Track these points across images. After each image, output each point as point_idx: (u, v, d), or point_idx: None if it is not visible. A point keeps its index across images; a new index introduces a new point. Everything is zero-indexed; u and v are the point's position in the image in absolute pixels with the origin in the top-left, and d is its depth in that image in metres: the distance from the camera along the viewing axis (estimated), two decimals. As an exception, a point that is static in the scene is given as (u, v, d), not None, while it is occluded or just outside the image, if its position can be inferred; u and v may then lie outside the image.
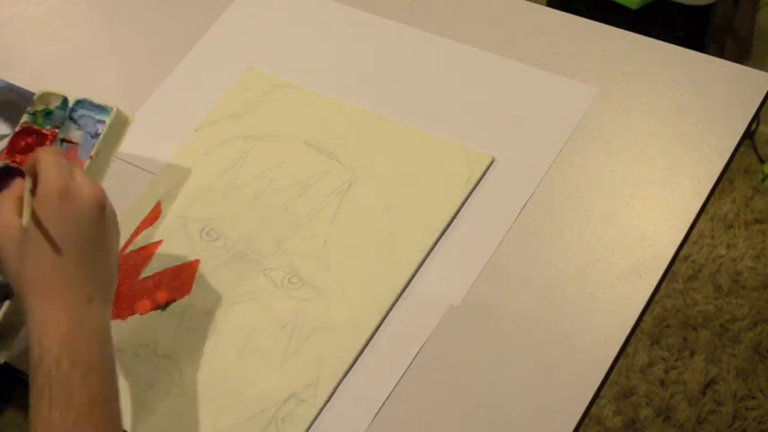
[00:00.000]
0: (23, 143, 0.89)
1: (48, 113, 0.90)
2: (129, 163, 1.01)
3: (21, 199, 0.77)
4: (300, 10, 1.09)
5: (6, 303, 0.84)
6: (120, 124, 0.91)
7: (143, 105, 1.05)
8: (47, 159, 0.77)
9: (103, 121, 0.89)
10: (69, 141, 0.89)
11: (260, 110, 1.01)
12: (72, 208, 0.75)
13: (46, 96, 0.91)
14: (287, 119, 1.00)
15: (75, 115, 0.90)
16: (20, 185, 0.78)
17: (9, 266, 0.76)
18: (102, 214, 0.77)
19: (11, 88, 1.00)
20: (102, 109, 0.90)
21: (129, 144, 1.03)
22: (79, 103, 0.90)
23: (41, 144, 0.89)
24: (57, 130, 0.89)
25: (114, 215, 0.79)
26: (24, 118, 0.90)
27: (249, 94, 1.02)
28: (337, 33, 1.06)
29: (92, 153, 0.88)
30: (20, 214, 0.76)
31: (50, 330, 0.73)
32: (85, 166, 0.87)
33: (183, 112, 1.03)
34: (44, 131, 0.89)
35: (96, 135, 0.89)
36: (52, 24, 1.16)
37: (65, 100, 0.90)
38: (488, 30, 1.02)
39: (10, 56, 1.13)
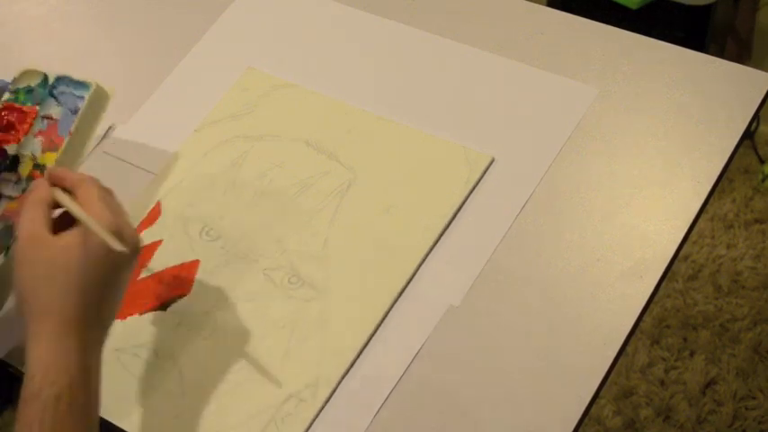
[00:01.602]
0: (5, 121, 0.90)
1: (29, 91, 0.91)
2: (130, 163, 1.01)
3: (50, 213, 0.75)
4: (300, 10, 1.09)
5: None
6: (101, 99, 0.91)
7: (143, 105, 1.05)
8: (94, 194, 0.75)
9: (83, 97, 0.90)
10: (50, 118, 0.90)
11: (260, 110, 1.01)
12: (117, 252, 0.73)
13: (27, 74, 0.92)
14: (287, 119, 1.00)
15: (56, 92, 0.91)
16: (43, 193, 0.76)
17: (30, 277, 0.73)
18: (135, 260, 0.76)
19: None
20: (82, 85, 0.91)
21: (129, 144, 1.03)
22: (59, 79, 0.91)
23: (23, 122, 0.89)
24: (37, 107, 0.90)
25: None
26: (6, 96, 0.91)
27: (249, 94, 1.02)
28: (337, 33, 1.06)
29: (71, 129, 0.89)
30: (49, 227, 0.74)
31: (60, 365, 0.71)
32: (65, 143, 0.88)
33: (183, 112, 1.03)
34: (25, 109, 0.90)
35: (76, 111, 0.89)
36: (52, 24, 1.16)
37: (45, 77, 0.91)
38: (488, 30, 1.02)
39: (10, 56, 1.13)
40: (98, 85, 0.91)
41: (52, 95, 0.91)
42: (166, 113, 1.04)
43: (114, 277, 0.75)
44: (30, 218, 0.75)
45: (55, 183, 0.77)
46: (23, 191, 0.87)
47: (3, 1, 1.19)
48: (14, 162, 0.88)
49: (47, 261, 0.73)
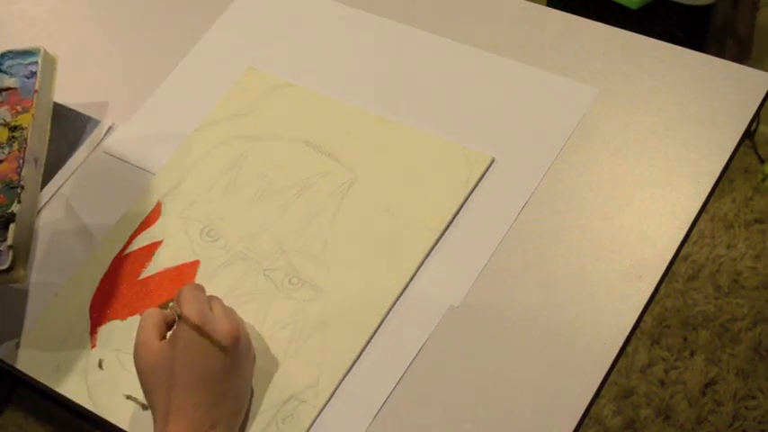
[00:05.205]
0: None
1: None
2: (129, 163, 1.01)
3: (163, 323, 0.83)
4: (300, 10, 1.09)
5: (12, 227, 0.86)
6: (50, 63, 0.96)
7: (143, 105, 1.05)
8: (187, 294, 0.83)
9: (33, 63, 0.95)
10: (8, 88, 0.94)
11: (260, 110, 1.01)
12: (208, 342, 0.80)
13: None
14: (287, 119, 1.00)
15: (4, 67, 0.95)
16: (159, 311, 0.84)
17: (144, 383, 0.82)
18: (236, 347, 0.81)
19: None
20: (28, 53, 0.96)
21: (129, 144, 1.03)
22: (4, 56, 0.96)
23: None
24: None
25: (248, 347, 0.84)
26: None
27: (249, 94, 1.02)
28: (337, 33, 1.06)
29: (35, 87, 0.94)
30: (161, 338, 0.82)
31: None
32: (35, 100, 0.93)
33: (183, 112, 1.03)
34: None
35: (31, 75, 0.94)
36: (52, 24, 1.16)
37: None
38: (488, 30, 1.02)
39: (10, 56, 1.13)
40: (45, 50, 0.96)
41: (2, 71, 0.95)
42: (166, 113, 1.04)
43: (213, 376, 0.80)
44: (141, 325, 0.83)
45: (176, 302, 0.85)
46: (5, 152, 0.90)
47: (3, 1, 1.19)
48: None
49: (148, 362, 0.81)
